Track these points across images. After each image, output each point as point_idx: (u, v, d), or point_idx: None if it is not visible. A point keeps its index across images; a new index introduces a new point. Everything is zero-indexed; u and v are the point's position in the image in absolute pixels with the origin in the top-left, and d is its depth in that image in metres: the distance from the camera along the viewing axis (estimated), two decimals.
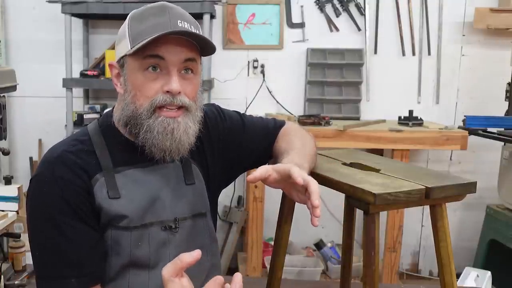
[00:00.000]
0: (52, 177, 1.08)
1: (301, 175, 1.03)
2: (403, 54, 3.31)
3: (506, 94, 3.01)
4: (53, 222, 1.07)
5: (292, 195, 1.12)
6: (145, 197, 1.13)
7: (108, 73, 2.97)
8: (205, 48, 1.12)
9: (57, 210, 1.07)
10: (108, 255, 1.12)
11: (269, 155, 1.35)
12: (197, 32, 1.10)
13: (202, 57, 1.16)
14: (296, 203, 1.20)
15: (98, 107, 3.25)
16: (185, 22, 1.08)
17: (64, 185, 1.07)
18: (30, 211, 1.11)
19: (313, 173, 1.23)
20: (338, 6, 3.28)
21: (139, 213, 1.12)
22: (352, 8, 3.28)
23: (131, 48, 1.07)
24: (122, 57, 1.11)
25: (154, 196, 1.14)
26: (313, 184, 1.03)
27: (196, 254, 0.94)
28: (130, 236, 1.11)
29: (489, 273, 2.42)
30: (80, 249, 1.07)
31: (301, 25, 3.30)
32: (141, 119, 1.09)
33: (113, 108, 1.20)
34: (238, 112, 1.37)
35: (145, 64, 1.07)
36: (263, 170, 1.06)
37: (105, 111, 1.24)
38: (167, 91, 1.07)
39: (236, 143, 1.30)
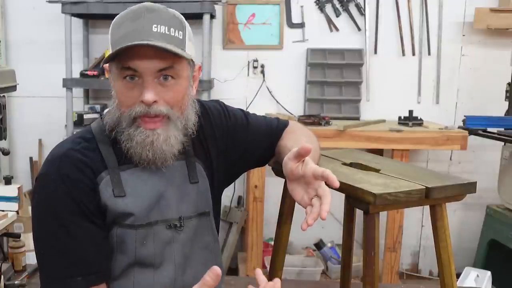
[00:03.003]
0: (58, 175, 1.07)
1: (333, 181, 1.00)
2: (403, 54, 3.30)
3: (506, 94, 3.01)
4: (60, 220, 1.06)
5: (295, 192, 1.08)
6: (151, 195, 1.13)
7: (108, 73, 2.97)
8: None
9: (64, 208, 1.06)
10: (113, 253, 1.12)
11: (272, 154, 1.35)
12: (177, 33, 1.07)
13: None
14: (296, 204, 1.19)
15: (98, 107, 3.25)
16: (162, 26, 1.04)
17: (71, 183, 1.07)
18: (36, 209, 1.10)
19: None
20: (338, 6, 3.27)
21: (144, 211, 1.12)
22: (352, 8, 3.28)
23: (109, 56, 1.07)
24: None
25: (159, 195, 1.14)
26: (329, 196, 1.01)
27: (215, 270, 0.92)
28: (136, 234, 1.11)
29: (489, 273, 2.42)
30: (86, 247, 1.07)
31: (301, 25, 3.30)
32: (123, 127, 1.09)
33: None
34: (242, 110, 1.37)
35: (122, 74, 1.07)
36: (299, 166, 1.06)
37: (107, 110, 1.24)
38: (142, 101, 1.06)
39: (239, 141, 1.30)
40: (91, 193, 1.09)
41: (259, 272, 1.09)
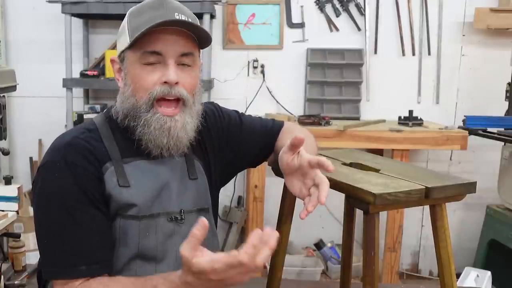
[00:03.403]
0: (64, 163, 1.08)
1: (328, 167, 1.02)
2: (403, 54, 3.30)
3: (506, 94, 3.01)
4: (66, 209, 1.06)
5: (293, 186, 1.11)
6: (153, 187, 1.14)
7: (108, 73, 2.97)
8: (201, 38, 1.13)
9: (70, 195, 1.07)
10: (116, 246, 1.12)
11: (267, 154, 1.36)
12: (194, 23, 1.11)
13: (201, 50, 1.17)
14: (296, 204, 1.19)
15: (98, 107, 3.25)
16: (182, 15, 1.09)
17: (77, 171, 1.07)
18: (40, 197, 1.10)
19: None
20: (338, 6, 3.27)
21: (147, 203, 1.12)
22: (352, 8, 3.28)
23: (129, 42, 1.09)
24: (122, 51, 1.14)
25: (161, 187, 1.15)
26: (327, 184, 1.04)
27: (203, 221, 0.90)
28: (139, 225, 1.11)
29: (489, 273, 2.42)
30: (92, 235, 1.08)
31: (301, 25, 3.30)
32: (140, 112, 1.11)
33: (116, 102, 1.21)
34: (236, 111, 1.38)
35: (143, 59, 1.09)
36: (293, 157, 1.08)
37: (110, 106, 1.25)
38: (165, 82, 1.09)
39: (234, 141, 1.32)
40: (97, 181, 1.09)
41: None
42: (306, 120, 2.95)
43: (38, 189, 1.11)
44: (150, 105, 1.10)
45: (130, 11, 1.15)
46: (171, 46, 1.09)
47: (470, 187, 1.23)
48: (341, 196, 1.25)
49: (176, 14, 1.08)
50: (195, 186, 1.21)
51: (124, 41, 1.12)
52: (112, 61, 1.19)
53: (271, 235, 0.87)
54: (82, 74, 3.03)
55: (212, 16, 3.11)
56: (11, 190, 2.00)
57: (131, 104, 1.11)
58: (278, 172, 1.22)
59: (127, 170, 1.12)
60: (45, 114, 3.36)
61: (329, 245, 3.26)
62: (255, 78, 3.33)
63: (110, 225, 1.11)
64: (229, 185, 1.40)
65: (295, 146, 1.07)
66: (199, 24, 1.13)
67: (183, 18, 1.09)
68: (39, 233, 1.11)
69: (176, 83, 1.09)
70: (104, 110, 1.24)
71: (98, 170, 1.10)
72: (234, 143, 1.31)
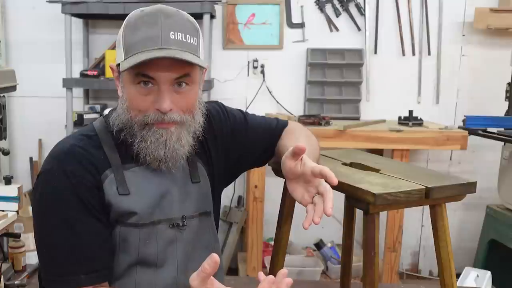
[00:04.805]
0: (62, 171, 1.07)
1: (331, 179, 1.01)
2: (403, 54, 3.30)
3: (506, 94, 3.01)
4: (63, 217, 1.06)
5: (295, 191, 1.09)
6: (154, 195, 1.13)
7: (108, 73, 2.97)
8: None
9: (68, 204, 1.06)
10: (116, 252, 1.12)
11: (271, 154, 1.35)
12: (193, 39, 1.07)
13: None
14: (296, 205, 1.19)
15: (98, 107, 3.25)
16: (178, 33, 1.05)
17: (75, 179, 1.07)
18: (38, 205, 1.10)
19: None
20: (338, 6, 3.27)
21: (148, 210, 1.12)
22: (352, 8, 3.28)
23: (124, 59, 1.07)
24: (119, 64, 1.11)
25: (163, 194, 1.14)
26: (331, 192, 1.02)
27: (214, 258, 0.91)
28: (139, 233, 1.11)
29: (489, 273, 2.42)
30: (90, 244, 1.07)
31: (301, 25, 3.30)
32: (135, 129, 1.10)
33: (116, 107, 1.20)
34: (241, 111, 1.37)
35: (137, 80, 1.07)
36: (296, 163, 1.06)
37: (109, 109, 1.24)
38: (158, 109, 1.07)
39: (239, 141, 1.31)
40: (94, 190, 1.08)
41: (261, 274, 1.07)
42: (306, 120, 2.95)
43: (36, 197, 1.11)
44: (144, 124, 1.09)
45: (126, 22, 1.10)
46: (165, 73, 1.05)
47: (470, 187, 1.23)
48: (341, 196, 1.25)
49: (171, 33, 1.04)
50: (197, 190, 1.20)
51: (119, 54, 1.09)
52: (111, 68, 1.17)
53: (282, 282, 0.87)
54: (82, 74, 3.03)
55: (212, 16, 3.11)
56: (11, 190, 2.00)
57: (126, 119, 1.10)
58: (278, 172, 1.22)
59: (127, 177, 1.11)
60: (45, 114, 3.36)
61: (329, 245, 3.26)
62: (255, 78, 3.34)
63: (109, 233, 1.11)
64: (229, 185, 1.40)
65: (296, 154, 1.06)
66: (199, 34, 1.10)
67: (180, 36, 1.04)
68: (38, 241, 1.10)
69: (170, 109, 1.07)
70: (104, 114, 1.23)
71: (96, 179, 1.09)
72: (239, 143, 1.30)
